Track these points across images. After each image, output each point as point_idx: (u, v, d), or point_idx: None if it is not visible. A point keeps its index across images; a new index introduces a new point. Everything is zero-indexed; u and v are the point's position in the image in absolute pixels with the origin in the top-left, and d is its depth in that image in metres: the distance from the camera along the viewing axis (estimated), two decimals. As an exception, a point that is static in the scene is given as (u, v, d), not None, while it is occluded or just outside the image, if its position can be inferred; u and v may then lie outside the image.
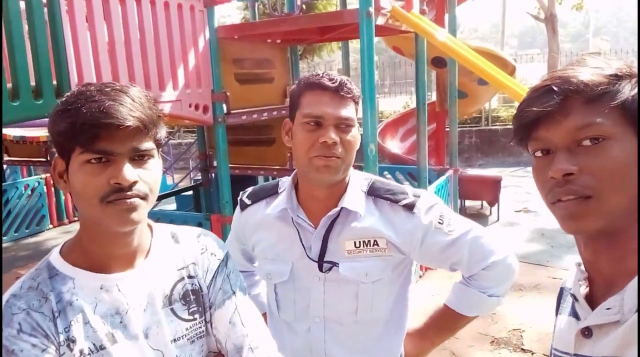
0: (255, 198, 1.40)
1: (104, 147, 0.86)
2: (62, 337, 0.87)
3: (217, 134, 3.91)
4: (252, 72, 4.39)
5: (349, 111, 1.21)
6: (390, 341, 1.34)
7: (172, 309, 0.99)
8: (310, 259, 1.28)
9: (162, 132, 0.95)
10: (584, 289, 0.77)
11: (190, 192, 6.06)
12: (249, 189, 1.43)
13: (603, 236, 0.69)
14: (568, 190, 0.68)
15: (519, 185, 8.24)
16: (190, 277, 1.03)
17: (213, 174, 5.51)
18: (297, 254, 1.30)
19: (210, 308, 1.05)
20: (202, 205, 5.80)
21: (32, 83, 2.55)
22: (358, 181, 1.31)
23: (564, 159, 0.68)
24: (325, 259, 1.27)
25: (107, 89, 0.88)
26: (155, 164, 0.93)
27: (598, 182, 0.67)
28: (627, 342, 0.65)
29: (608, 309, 0.69)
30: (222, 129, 3.90)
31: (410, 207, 1.26)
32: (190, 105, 3.61)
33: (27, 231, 6.96)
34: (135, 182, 0.88)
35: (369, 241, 1.26)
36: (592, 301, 0.75)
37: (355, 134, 1.23)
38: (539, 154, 0.73)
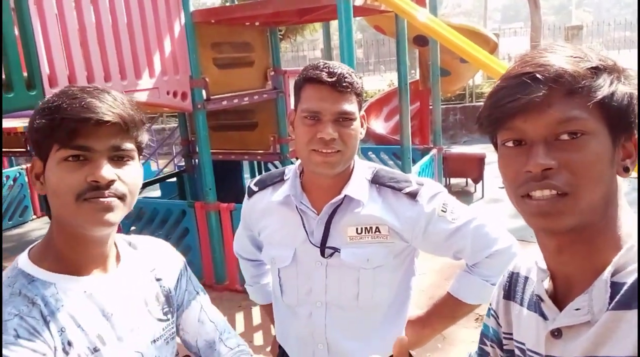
0: (262, 185, 1.42)
1: (82, 143, 0.84)
2: (57, 342, 0.85)
3: (198, 121, 3.86)
4: (231, 56, 4.32)
5: (349, 105, 1.21)
6: (391, 328, 1.36)
7: (149, 311, 1.01)
8: (313, 244, 1.30)
9: (144, 137, 0.94)
10: (547, 287, 0.76)
11: (174, 179, 6.01)
12: (257, 177, 1.47)
13: (569, 233, 0.68)
14: (545, 184, 0.65)
15: (503, 161, 8.27)
16: (157, 279, 1.06)
17: (197, 160, 5.47)
18: (300, 239, 1.32)
19: (177, 309, 1.09)
20: (187, 191, 5.76)
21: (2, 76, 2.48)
22: (362, 169, 1.32)
23: (542, 153, 0.65)
24: (327, 245, 1.29)
25: (89, 89, 0.88)
26: (135, 166, 0.92)
27: (576, 178, 0.65)
28: (600, 341, 0.65)
29: (577, 309, 0.68)
30: (202, 115, 3.85)
31: (413, 195, 1.27)
32: (168, 93, 3.55)
33: (10, 222, 6.87)
34: (112, 181, 0.86)
35: (370, 228, 1.27)
36: (557, 299, 0.74)
37: (355, 127, 1.23)
38: (510, 144, 0.70)
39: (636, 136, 0.70)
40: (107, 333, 0.91)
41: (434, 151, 5.66)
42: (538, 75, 0.66)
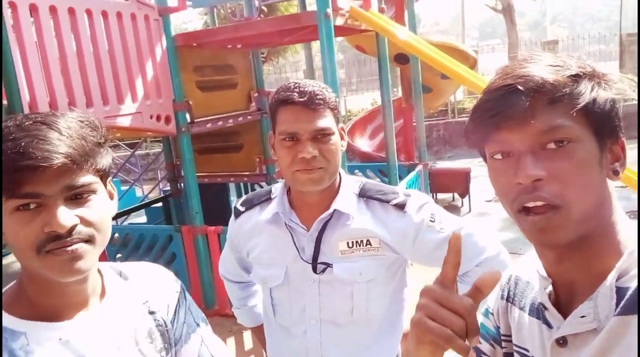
0: (249, 205, 1.41)
1: (29, 190, 0.74)
2: None
3: (182, 144, 3.83)
4: (214, 79, 4.33)
5: (325, 121, 1.21)
6: (386, 341, 1.35)
7: (139, 350, 0.90)
8: (304, 261, 1.29)
9: (104, 160, 0.83)
10: (550, 295, 0.75)
11: (159, 204, 5.94)
12: (243, 197, 1.45)
13: (572, 246, 0.67)
14: (536, 196, 0.65)
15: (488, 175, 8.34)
16: (151, 312, 0.95)
17: (182, 184, 5.42)
18: (291, 257, 1.31)
19: (175, 344, 0.98)
20: (173, 216, 5.69)
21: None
22: (349, 183, 1.33)
23: (530, 164, 0.65)
24: (319, 261, 1.28)
25: (27, 123, 0.76)
26: (98, 200, 0.81)
27: (565, 188, 0.64)
28: (608, 347, 0.64)
29: (582, 317, 0.67)
30: (186, 138, 3.82)
31: (401, 207, 1.27)
32: (151, 117, 3.53)
33: (-9, 255, 6.72)
34: (74, 226, 0.76)
35: (361, 241, 1.27)
36: (560, 306, 0.73)
37: (335, 141, 1.23)
38: (498, 156, 0.70)
39: (623, 139, 0.70)
40: None
41: (419, 167, 5.69)
42: (519, 87, 0.66)
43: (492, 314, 0.91)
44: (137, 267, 1.00)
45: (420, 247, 1.28)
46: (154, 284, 0.99)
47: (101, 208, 0.82)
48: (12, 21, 2.61)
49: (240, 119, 4.43)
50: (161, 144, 6.50)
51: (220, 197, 5.57)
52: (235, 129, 4.82)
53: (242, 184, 6.06)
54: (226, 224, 1.48)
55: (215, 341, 1.05)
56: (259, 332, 1.54)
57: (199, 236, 3.99)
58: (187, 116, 3.79)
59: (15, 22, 2.62)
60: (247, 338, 3.69)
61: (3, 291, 0.84)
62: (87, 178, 0.79)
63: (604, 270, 0.67)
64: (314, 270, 1.29)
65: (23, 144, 0.73)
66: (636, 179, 2.77)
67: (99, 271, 0.92)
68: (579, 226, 0.66)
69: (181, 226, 4.15)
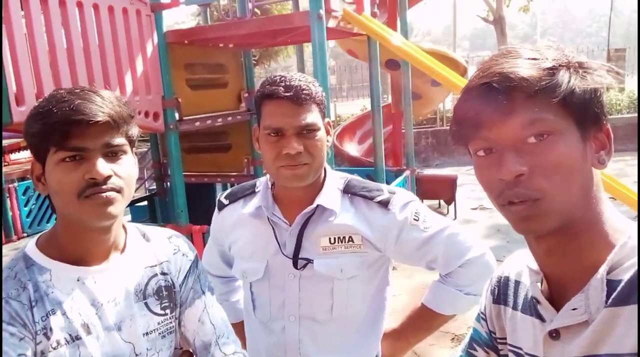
0: (233, 198, 1.40)
1: (76, 144, 0.89)
2: (38, 326, 0.88)
3: (170, 142, 3.81)
4: (204, 77, 4.32)
5: (311, 116, 1.19)
6: (366, 340, 1.34)
7: (145, 304, 1.02)
8: (285, 256, 1.27)
9: (134, 130, 0.98)
10: (542, 290, 0.75)
11: (145, 203, 5.89)
12: (228, 190, 1.44)
13: (555, 234, 0.68)
14: (517, 193, 0.66)
15: (475, 183, 8.29)
16: (163, 274, 1.07)
17: (168, 183, 5.38)
18: (272, 251, 1.29)
19: (180, 306, 1.10)
20: (158, 215, 5.64)
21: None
22: (334, 179, 1.31)
23: (512, 159, 0.66)
24: (300, 256, 1.27)
25: (77, 91, 0.92)
26: (128, 160, 0.96)
27: (547, 181, 0.65)
28: (598, 339, 0.65)
29: (574, 309, 0.68)
30: (174, 136, 3.80)
31: (385, 204, 1.26)
32: (139, 113, 3.50)
33: (-28, 249, 6.61)
34: (109, 176, 0.90)
35: (344, 237, 1.26)
36: (553, 300, 0.73)
37: (320, 137, 1.22)
38: (481, 153, 0.71)
39: (607, 126, 0.70)
40: (94, 322, 0.94)
41: (407, 173, 5.72)
42: (495, 85, 0.66)
43: (484, 319, 0.91)
44: (160, 232, 1.13)
45: (403, 245, 1.27)
46: (171, 249, 1.11)
47: (130, 167, 0.96)
48: (2, 12, 2.59)
49: (230, 118, 4.42)
50: (148, 144, 6.46)
51: (205, 197, 5.54)
52: (224, 129, 4.80)
53: (229, 185, 6.04)
54: (210, 224, 1.47)
55: (217, 309, 1.15)
56: (239, 328, 1.53)
57: (184, 235, 3.96)
58: (176, 114, 3.77)
59: (6, 12, 2.59)
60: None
61: (39, 235, 1.00)
62: (121, 140, 0.94)
63: (595, 262, 0.67)
64: (295, 265, 1.27)
65: (76, 102, 0.88)
66: (636, 199, 2.79)
67: (124, 228, 1.05)
68: (560, 214, 0.66)
69: (166, 224, 4.12)
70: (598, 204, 0.69)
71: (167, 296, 1.06)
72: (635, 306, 0.61)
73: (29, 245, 0.97)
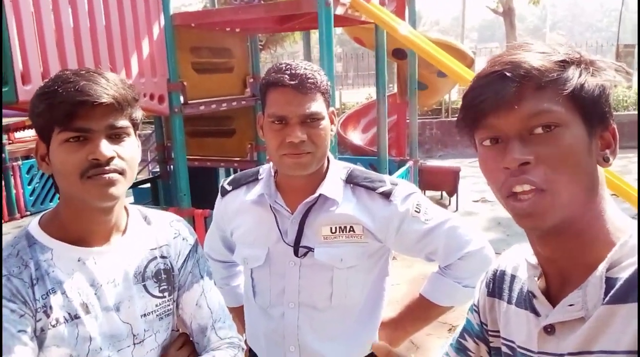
0: (236, 184, 1.41)
1: (81, 124, 0.90)
2: (39, 304, 0.90)
3: (174, 125, 3.81)
4: (210, 61, 4.30)
5: (315, 105, 1.19)
6: (364, 329, 1.35)
7: (144, 286, 1.04)
8: (286, 243, 1.29)
9: (138, 113, 0.99)
10: (540, 285, 0.75)
11: (148, 185, 5.91)
12: (231, 176, 1.45)
13: (558, 231, 0.68)
14: (523, 179, 0.66)
15: (477, 175, 8.36)
16: (162, 257, 1.08)
17: (172, 166, 5.39)
18: (274, 238, 1.30)
19: (178, 289, 1.11)
20: (160, 198, 5.66)
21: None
22: (337, 169, 1.32)
23: (518, 148, 0.66)
24: (301, 244, 1.28)
25: (82, 72, 0.93)
26: (131, 142, 0.97)
27: (553, 172, 0.65)
28: (593, 336, 0.65)
29: (571, 305, 0.68)
30: (179, 119, 3.80)
31: (387, 195, 1.27)
32: (144, 95, 3.50)
33: (-25, 226, 6.66)
34: (112, 158, 0.92)
35: (345, 227, 1.27)
36: (550, 295, 0.73)
37: (324, 126, 1.22)
38: (487, 143, 0.70)
39: (613, 126, 0.70)
40: (93, 302, 0.95)
41: (410, 163, 5.71)
42: (507, 73, 0.67)
43: (476, 311, 0.91)
44: (161, 215, 1.15)
45: (403, 237, 1.28)
46: (172, 233, 1.12)
47: (133, 149, 0.97)
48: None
49: (235, 103, 4.41)
50: (152, 126, 6.46)
51: (208, 181, 5.55)
52: (228, 114, 4.80)
53: (231, 170, 6.05)
54: (213, 208, 1.48)
55: (215, 294, 1.17)
56: (239, 312, 1.55)
57: (185, 218, 3.97)
58: (181, 97, 3.77)
59: (12, -11, 2.59)
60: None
61: (42, 214, 1.01)
62: (125, 122, 0.95)
63: (595, 260, 0.67)
64: (296, 253, 1.28)
65: (82, 83, 0.89)
66: (636, 195, 2.79)
67: (126, 210, 1.07)
68: (564, 210, 0.66)
69: (168, 207, 4.13)
70: (601, 202, 0.69)
71: (166, 279, 1.08)
72: (634, 304, 0.61)
73: (32, 224, 0.98)
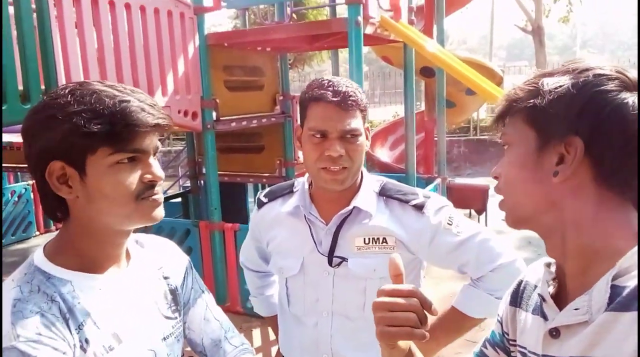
0: (272, 196, 1.46)
1: (138, 146, 0.87)
2: (75, 339, 0.85)
3: (206, 141, 3.91)
4: (241, 79, 4.41)
5: (355, 122, 1.24)
6: None
7: (158, 309, 1.02)
8: (321, 253, 1.32)
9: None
10: (552, 290, 0.77)
11: (179, 199, 6.03)
12: (267, 189, 1.50)
13: (549, 237, 0.75)
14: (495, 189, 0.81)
15: (507, 194, 8.26)
16: (165, 277, 1.07)
17: (202, 181, 5.50)
18: (308, 248, 1.34)
19: (184, 307, 1.10)
20: (191, 212, 5.77)
21: (20, 87, 2.54)
22: (370, 182, 1.36)
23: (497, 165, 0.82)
24: (335, 254, 1.31)
25: (120, 87, 0.89)
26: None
27: (504, 184, 0.79)
28: (595, 341, 0.65)
29: (576, 309, 0.69)
30: (211, 135, 3.90)
31: (420, 207, 1.30)
32: (179, 112, 3.61)
33: (13, 237, 6.87)
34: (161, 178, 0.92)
35: (378, 238, 1.30)
36: (560, 301, 0.75)
37: (361, 142, 1.27)
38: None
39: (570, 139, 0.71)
40: (122, 331, 0.92)
41: (438, 181, 5.69)
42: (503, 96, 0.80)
43: (499, 321, 0.93)
44: (150, 238, 1.12)
45: (435, 249, 1.30)
46: (166, 253, 1.11)
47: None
48: (55, 11, 2.72)
49: (264, 120, 4.50)
50: (182, 143, 6.60)
51: (238, 197, 5.64)
52: (257, 130, 4.89)
53: (260, 186, 6.13)
54: (242, 223, 1.53)
55: (217, 307, 1.18)
56: (273, 322, 1.58)
57: (216, 231, 4.05)
58: (213, 114, 3.87)
59: (59, 11, 2.73)
60: (257, 335, 3.73)
61: (45, 244, 0.95)
62: (159, 143, 0.94)
63: (607, 268, 0.68)
64: (330, 263, 1.32)
65: (142, 105, 0.87)
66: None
67: None
68: (514, 211, 0.79)
69: (199, 221, 4.22)
70: (593, 215, 0.71)
71: (173, 299, 1.06)
72: (637, 313, 0.61)
73: (37, 258, 0.91)
